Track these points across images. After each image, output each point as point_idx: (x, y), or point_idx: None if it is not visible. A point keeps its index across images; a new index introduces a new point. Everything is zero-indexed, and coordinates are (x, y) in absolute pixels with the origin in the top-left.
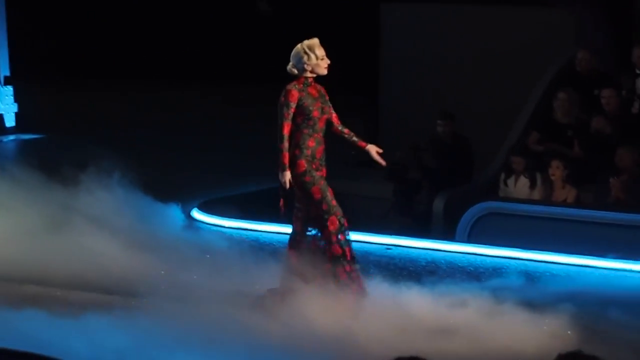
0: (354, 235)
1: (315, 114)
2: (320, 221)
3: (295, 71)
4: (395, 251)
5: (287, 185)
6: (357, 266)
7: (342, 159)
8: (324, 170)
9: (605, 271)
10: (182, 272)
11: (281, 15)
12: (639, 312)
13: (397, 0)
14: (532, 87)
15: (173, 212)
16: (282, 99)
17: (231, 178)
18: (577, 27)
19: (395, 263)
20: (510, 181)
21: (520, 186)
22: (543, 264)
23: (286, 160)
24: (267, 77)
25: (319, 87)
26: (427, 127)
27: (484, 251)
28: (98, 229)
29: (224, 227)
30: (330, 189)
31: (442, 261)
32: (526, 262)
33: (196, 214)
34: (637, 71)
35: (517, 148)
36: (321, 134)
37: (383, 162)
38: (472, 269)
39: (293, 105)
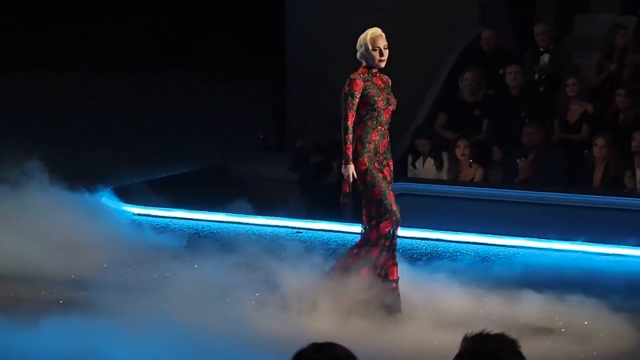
0: (265, 220)
1: (380, 104)
2: (375, 222)
3: (362, 60)
4: (305, 235)
5: (351, 179)
6: (379, 277)
7: (249, 142)
8: (391, 163)
9: (514, 249)
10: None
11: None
12: (552, 289)
13: None
14: (438, 68)
15: (86, 200)
16: (347, 88)
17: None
18: (480, 7)
19: (306, 246)
20: (418, 163)
21: (427, 167)
22: (454, 243)
23: (350, 152)
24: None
25: (384, 77)
26: (335, 111)
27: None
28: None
29: (133, 213)
30: (392, 192)
31: (353, 243)
32: (437, 242)
33: (107, 200)
34: (541, 48)
35: (422, 131)
36: (385, 127)
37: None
38: None
39: (357, 95)
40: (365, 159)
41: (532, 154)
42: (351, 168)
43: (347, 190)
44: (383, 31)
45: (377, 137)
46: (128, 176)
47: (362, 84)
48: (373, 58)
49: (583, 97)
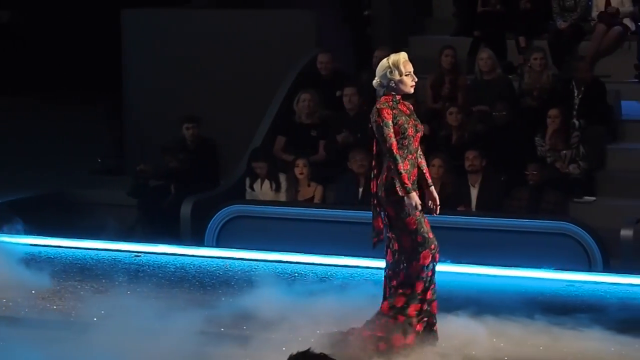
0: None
1: (410, 132)
2: (412, 254)
3: (381, 88)
4: (144, 258)
5: (420, 207)
6: (427, 309)
7: (88, 166)
8: (417, 193)
9: (353, 269)
10: None
11: (22, 22)
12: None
13: (138, 6)
14: (276, 90)
15: None
16: (378, 120)
17: None
18: (317, 29)
19: (145, 270)
20: (256, 185)
21: (265, 189)
22: (292, 264)
23: (407, 180)
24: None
25: (407, 103)
26: (173, 133)
27: (232, 254)
28: None
29: None
30: (426, 220)
31: (192, 266)
32: (275, 263)
33: None
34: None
35: (259, 153)
36: (415, 155)
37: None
38: (220, 272)
39: (391, 124)
40: (398, 188)
41: (362, 179)
42: (414, 197)
43: (381, 227)
44: (214, 56)
45: (408, 166)
46: None
47: (391, 111)
48: (405, 84)
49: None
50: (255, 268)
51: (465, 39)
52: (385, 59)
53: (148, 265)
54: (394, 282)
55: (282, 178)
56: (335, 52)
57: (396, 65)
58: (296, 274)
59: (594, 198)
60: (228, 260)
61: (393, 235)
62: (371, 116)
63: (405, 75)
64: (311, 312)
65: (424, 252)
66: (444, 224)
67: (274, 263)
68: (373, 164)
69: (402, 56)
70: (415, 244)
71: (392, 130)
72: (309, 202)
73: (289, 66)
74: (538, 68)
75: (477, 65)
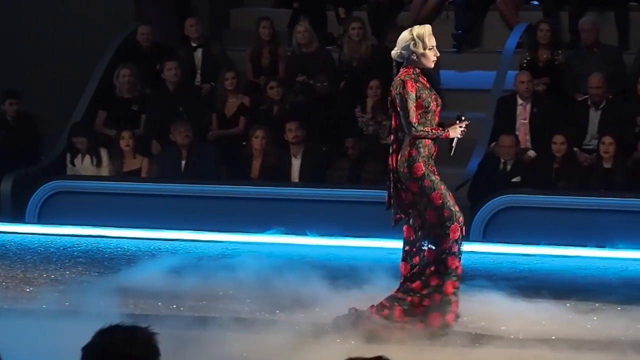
0: None
1: (433, 106)
2: (440, 229)
3: (401, 59)
4: None
5: (463, 128)
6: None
7: None
8: (435, 169)
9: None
10: None
11: None
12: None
13: None
14: (95, 65)
15: None
16: (403, 92)
17: None
18: (136, 3)
19: None
20: (77, 160)
21: (86, 164)
22: (114, 239)
23: (438, 131)
24: None
25: (425, 77)
26: None
27: (54, 231)
28: None
29: None
30: (451, 193)
31: (13, 243)
32: (96, 238)
33: None
34: (193, 44)
35: (80, 128)
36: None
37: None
38: (42, 249)
39: (414, 97)
40: (421, 164)
41: (184, 152)
42: (452, 129)
43: (405, 202)
44: (33, 30)
45: (430, 142)
46: None
47: (415, 84)
48: (428, 58)
49: (240, 90)
50: (77, 244)
51: (285, 10)
52: (407, 31)
53: None
54: (416, 259)
55: (104, 153)
56: (156, 26)
57: (421, 38)
58: (119, 249)
59: None
60: (49, 236)
61: (415, 212)
62: (392, 88)
63: (430, 49)
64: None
65: (452, 225)
66: (268, 195)
67: (96, 238)
68: (392, 138)
69: (427, 29)
70: (442, 219)
71: (414, 104)
72: (131, 177)
73: (108, 40)
74: (357, 38)
75: (295, 39)
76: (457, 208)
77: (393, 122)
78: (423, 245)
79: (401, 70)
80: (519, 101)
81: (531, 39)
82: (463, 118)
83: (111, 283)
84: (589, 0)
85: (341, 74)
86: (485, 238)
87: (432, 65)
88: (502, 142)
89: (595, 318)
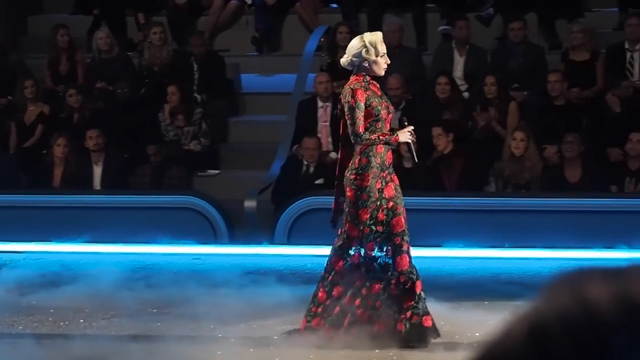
0: None
1: (383, 114)
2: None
3: (351, 67)
4: None
5: (412, 134)
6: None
7: None
8: (394, 177)
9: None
10: None
11: None
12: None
13: None
14: None
15: None
16: (351, 100)
17: None
18: None
19: None
20: None
21: None
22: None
23: (384, 136)
24: None
25: (377, 84)
26: None
27: None
28: None
29: None
30: (400, 206)
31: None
32: None
33: None
34: None
35: None
36: None
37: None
38: None
39: (363, 106)
40: (370, 175)
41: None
42: (402, 134)
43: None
44: None
45: (382, 150)
46: None
47: (365, 93)
48: (379, 65)
49: (39, 98)
50: None
51: (85, 17)
52: (358, 38)
53: None
54: (339, 266)
55: None
56: None
57: (373, 45)
58: None
59: (218, 171)
60: None
61: (344, 220)
62: (342, 96)
63: (381, 56)
64: None
65: (369, 243)
66: (70, 203)
67: None
68: (339, 145)
69: (379, 36)
70: (362, 235)
71: (362, 114)
72: None
73: None
74: (158, 42)
75: (95, 45)
76: (380, 228)
77: (341, 130)
78: (349, 255)
79: (351, 78)
80: (320, 103)
81: (331, 42)
82: (406, 123)
83: None
84: (387, 1)
85: (142, 79)
86: (289, 240)
87: (383, 73)
88: (305, 145)
89: None
